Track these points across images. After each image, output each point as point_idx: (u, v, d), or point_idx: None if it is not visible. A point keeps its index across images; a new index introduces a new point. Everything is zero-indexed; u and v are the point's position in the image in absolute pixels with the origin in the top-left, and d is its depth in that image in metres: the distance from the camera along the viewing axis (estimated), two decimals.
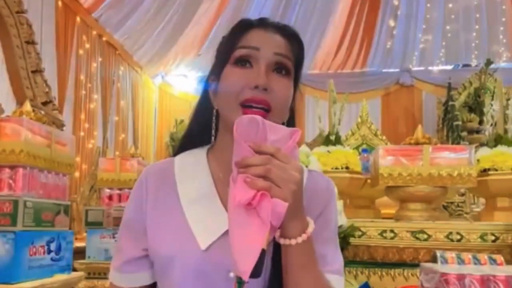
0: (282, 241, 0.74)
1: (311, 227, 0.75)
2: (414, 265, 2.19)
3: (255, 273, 0.65)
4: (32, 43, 4.03)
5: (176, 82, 8.11)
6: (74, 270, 2.26)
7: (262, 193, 0.68)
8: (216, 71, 0.88)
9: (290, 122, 0.88)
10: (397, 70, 8.79)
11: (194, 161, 0.90)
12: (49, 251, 2.06)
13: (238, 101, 0.81)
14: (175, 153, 0.94)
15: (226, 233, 0.77)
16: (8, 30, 3.81)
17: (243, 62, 0.84)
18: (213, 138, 0.89)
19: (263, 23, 0.88)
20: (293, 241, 0.73)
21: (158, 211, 0.86)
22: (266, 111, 0.80)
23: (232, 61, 0.85)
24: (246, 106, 0.80)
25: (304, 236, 0.74)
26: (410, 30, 8.13)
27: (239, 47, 0.84)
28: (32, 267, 1.94)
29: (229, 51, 0.85)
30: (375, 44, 8.37)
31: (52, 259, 2.08)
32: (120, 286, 0.88)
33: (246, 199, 0.68)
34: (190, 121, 0.96)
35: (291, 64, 0.86)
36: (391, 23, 7.99)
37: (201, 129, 0.91)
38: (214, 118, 0.88)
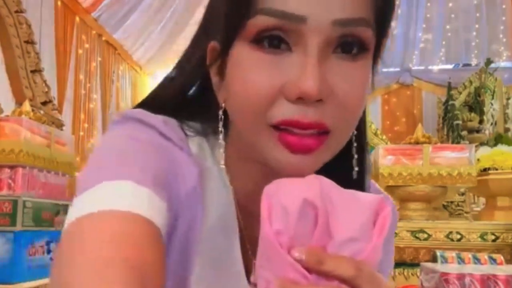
0: None
1: None
2: (414, 264, 2.18)
3: None
4: (31, 42, 4.02)
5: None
6: None
7: None
8: (220, 46, 0.49)
9: (360, 128, 0.52)
10: (397, 69, 8.79)
11: (214, 167, 0.54)
12: (49, 251, 2.06)
13: (267, 121, 0.46)
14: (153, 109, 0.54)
15: None
16: (7, 29, 3.81)
17: (272, 41, 0.45)
18: (222, 151, 0.52)
19: None
20: None
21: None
22: (321, 134, 0.46)
23: (249, 36, 0.45)
24: (283, 130, 0.46)
25: None
26: (410, 30, 8.13)
27: (260, 12, 0.44)
28: (32, 267, 1.94)
29: (241, 13, 0.45)
30: None
31: (51, 259, 2.08)
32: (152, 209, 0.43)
33: None
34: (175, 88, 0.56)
35: (371, 30, 0.46)
36: (391, 22, 7.99)
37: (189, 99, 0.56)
38: (221, 117, 0.51)
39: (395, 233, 2.39)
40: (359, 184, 0.53)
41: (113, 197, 0.40)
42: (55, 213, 2.14)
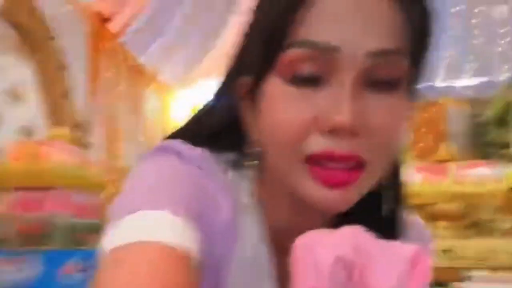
0: None
1: None
2: (443, 285, 2.15)
3: None
4: (64, 68, 4.18)
5: (204, 102, 8.22)
6: None
7: None
8: (252, 81, 0.49)
9: (397, 160, 0.51)
10: (422, 85, 8.71)
11: (249, 202, 0.53)
12: (81, 270, 2.11)
13: (300, 156, 0.45)
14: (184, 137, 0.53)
15: None
16: (41, 56, 3.97)
17: (306, 77, 0.44)
18: (254, 186, 0.52)
19: None
20: None
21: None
22: (357, 168, 0.44)
23: (282, 70, 0.45)
24: (316, 163, 0.44)
25: None
26: (434, 45, 8.09)
27: (294, 44, 0.43)
28: (65, 286, 1.99)
29: (272, 50, 0.45)
30: None
31: (83, 278, 2.13)
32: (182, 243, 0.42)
33: None
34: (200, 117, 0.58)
35: (407, 59, 0.45)
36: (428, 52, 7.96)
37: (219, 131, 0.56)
38: (253, 154, 0.52)
39: None
40: (394, 219, 0.52)
41: (150, 227, 0.40)
42: (88, 233, 2.20)
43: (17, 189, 2.04)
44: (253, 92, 0.48)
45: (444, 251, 2.31)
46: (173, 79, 7.42)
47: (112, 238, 0.42)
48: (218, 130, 0.54)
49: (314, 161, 0.44)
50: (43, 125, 3.96)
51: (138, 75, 6.53)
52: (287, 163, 0.46)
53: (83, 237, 2.16)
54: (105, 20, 5.49)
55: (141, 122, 6.55)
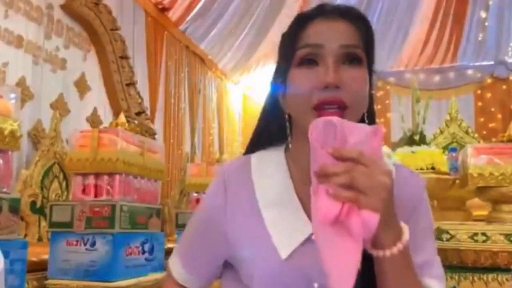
0: (375, 252, 0.67)
1: (406, 235, 0.67)
2: (509, 269, 2.06)
3: None
4: (126, 57, 4.32)
5: (259, 88, 8.25)
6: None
7: (349, 205, 0.61)
8: (282, 74, 0.83)
9: (370, 111, 0.81)
10: (491, 62, 8.26)
11: (272, 161, 0.85)
12: (143, 252, 2.22)
13: (310, 105, 0.76)
14: (246, 151, 0.91)
15: (307, 240, 0.75)
16: (104, 46, 4.13)
17: (308, 62, 0.78)
18: (290, 144, 0.84)
19: (322, 12, 0.81)
20: (387, 252, 0.66)
21: (236, 213, 0.81)
22: (342, 109, 0.75)
23: (296, 62, 0.79)
24: (320, 109, 0.75)
25: (399, 246, 0.66)
26: (503, 21, 7.62)
27: (300, 47, 0.79)
28: (129, 266, 2.10)
29: (291, 52, 0.80)
30: (466, 37, 7.94)
31: (146, 259, 2.23)
32: (178, 276, 0.90)
33: (332, 214, 0.61)
34: (259, 123, 0.91)
35: (361, 51, 0.79)
36: (483, 14, 7.55)
37: (272, 131, 0.87)
38: (287, 122, 0.83)
39: (487, 236, 2.26)
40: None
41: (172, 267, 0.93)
42: (148, 217, 2.30)
43: (82, 175, 2.16)
44: (284, 81, 0.83)
45: (508, 235, 2.20)
46: (230, 66, 7.48)
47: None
48: (270, 133, 0.89)
49: (318, 107, 0.76)
50: (107, 113, 4.14)
51: (198, 62, 6.65)
52: (303, 113, 0.78)
53: (143, 220, 2.26)
54: (164, 9, 5.61)
55: (200, 108, 6.68)
